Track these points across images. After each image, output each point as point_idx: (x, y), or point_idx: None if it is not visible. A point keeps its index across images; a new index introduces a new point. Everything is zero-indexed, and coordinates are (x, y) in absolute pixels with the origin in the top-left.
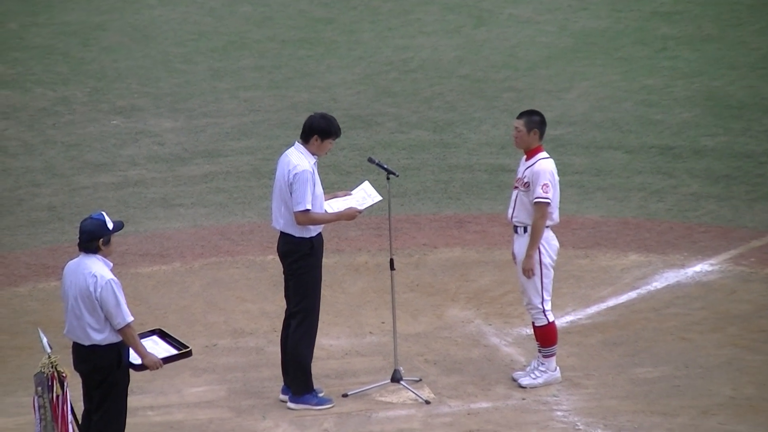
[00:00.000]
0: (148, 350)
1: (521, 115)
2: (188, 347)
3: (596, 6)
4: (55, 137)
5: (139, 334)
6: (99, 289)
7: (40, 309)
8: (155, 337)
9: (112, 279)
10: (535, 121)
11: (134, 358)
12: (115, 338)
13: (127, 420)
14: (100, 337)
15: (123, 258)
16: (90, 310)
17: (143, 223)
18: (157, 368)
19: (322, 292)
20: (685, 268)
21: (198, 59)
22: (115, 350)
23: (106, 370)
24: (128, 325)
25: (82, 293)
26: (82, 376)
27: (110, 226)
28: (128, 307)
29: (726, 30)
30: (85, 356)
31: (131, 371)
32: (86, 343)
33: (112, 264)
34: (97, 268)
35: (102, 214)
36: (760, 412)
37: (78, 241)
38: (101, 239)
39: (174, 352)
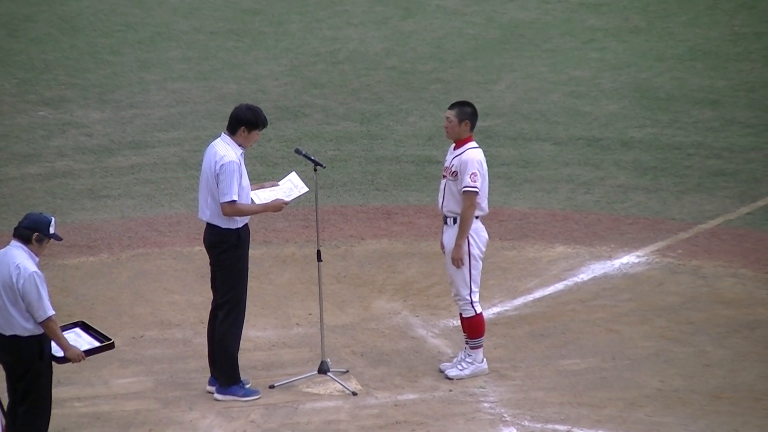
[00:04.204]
0: (71, 343)
1: (453, 106)
2: (111, 339)
3: None
4: None
5: (61, 327)
6: (22, 281)
7: None
8: (78, 330)
9: (35, 272)
10: (466, 112)
11: (57, 351)
12: (38, 330)
13: (54, 411)
14: (26, 327)
15: (50, 249)
16: (12, 301)
17: (71, 214)
18: (80, 361)
19: (249, 283)
20: (612, 259)
21: (125, 50)
22: (37, 342)
23: (27, 361)
24: (50, 318)
25: (4, 284)
26: (4, 367)
27: (51, 230)
28: (53, 299)
29: (654, 22)
30: (6, 347)
31: (54, 363)
32: (7, 333)
33: (38, 259)
34: (22, 259)
35: (52, 218)
36: (687, 404)
37: (16, 226)
38: (37, 234)
39: (96, 344)
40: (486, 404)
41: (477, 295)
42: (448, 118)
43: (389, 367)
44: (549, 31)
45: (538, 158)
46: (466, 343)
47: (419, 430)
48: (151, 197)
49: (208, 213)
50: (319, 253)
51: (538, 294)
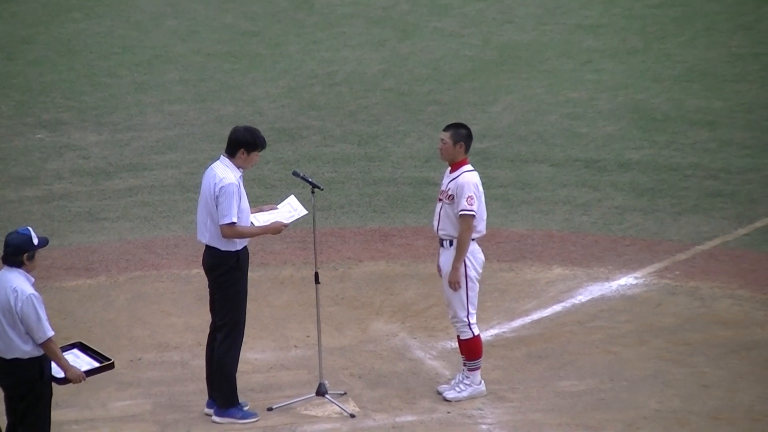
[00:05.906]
0: (70, 363)
1: (448, 128)
2: (110, 359)
3: (521, 19)
4: None
5: (59, 348)
6: (20, 304)
7: None
8: (76, 350)
9: (32, 294)
10: (461, 134)
11: (57, 372)
12: (38, 352)
13: None
14: (25, 349)
15: (48, 272)
16: (11, 324)
17: (68, 236)
18: (80, 381)
19: (248, 305)
20: (610, 281)
21: (123, 73)
22: (37, 363)
23: (28, 383)
24: (50, 340)
25: (2, 307)
26: (4, 389)
27: (35, 241)
28: (51, 321)
29: (651, 43)
30: (7, 369)
31: (54, 384)
32: (8, 356)
33: (34, 279)
34: (19, 282)
35: (28, 229)
36: (685, 424)
37: (2, 254)
38: (26, 254)
39: (96, 364)
40: (484, 426)
41: (474, 316)
42: (442, 140)
43: (387, 389)
44: (546, 52)
45: (535, 180)
46: (464, 364)
47: None
48: (149, 219)
49: (207, 235)
50: (317, 275)
51: (535, 315)
